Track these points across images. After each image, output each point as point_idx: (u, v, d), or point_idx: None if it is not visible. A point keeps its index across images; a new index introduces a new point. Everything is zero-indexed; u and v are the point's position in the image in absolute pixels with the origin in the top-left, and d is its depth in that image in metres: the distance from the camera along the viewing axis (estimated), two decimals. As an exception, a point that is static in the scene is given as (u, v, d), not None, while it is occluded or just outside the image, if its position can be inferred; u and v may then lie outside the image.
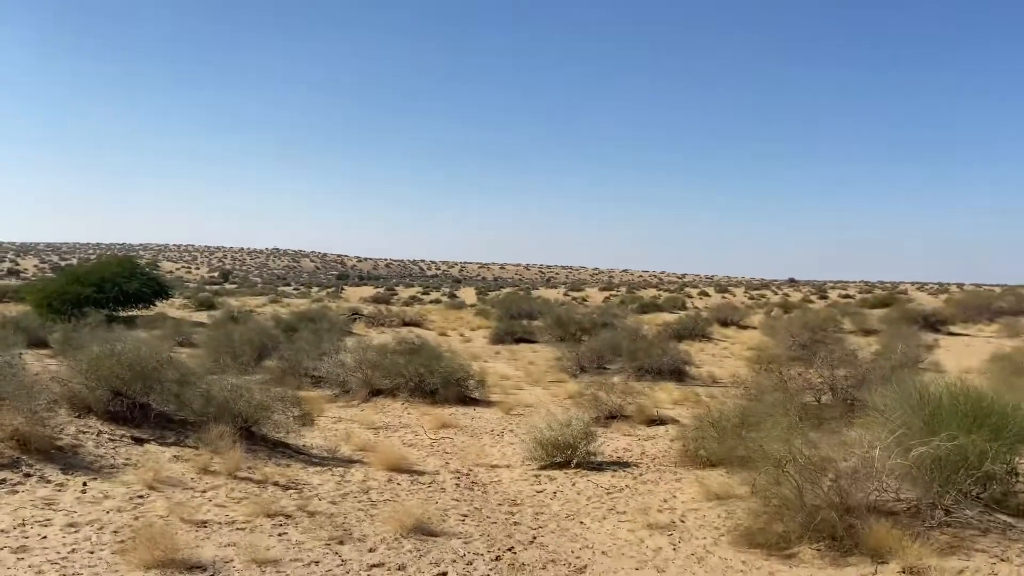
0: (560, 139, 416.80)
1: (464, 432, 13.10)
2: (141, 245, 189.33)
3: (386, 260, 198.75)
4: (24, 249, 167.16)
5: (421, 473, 9.38)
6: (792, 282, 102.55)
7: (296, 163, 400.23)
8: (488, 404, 16.42)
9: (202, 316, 38.43)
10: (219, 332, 22.54)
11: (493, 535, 6.75)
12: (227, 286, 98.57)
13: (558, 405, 16.65)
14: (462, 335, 34.62)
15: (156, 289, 37.63)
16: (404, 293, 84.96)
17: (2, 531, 5.85)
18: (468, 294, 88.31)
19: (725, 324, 34.22)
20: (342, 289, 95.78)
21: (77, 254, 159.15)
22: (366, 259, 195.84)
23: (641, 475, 9.38)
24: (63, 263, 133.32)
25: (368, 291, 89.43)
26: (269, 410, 9.84)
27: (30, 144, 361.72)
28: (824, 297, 75.28)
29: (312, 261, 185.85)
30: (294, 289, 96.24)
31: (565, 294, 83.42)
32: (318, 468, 9.15)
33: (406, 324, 37.94)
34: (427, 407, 15.68)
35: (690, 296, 74.52)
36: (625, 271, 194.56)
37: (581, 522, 7.38)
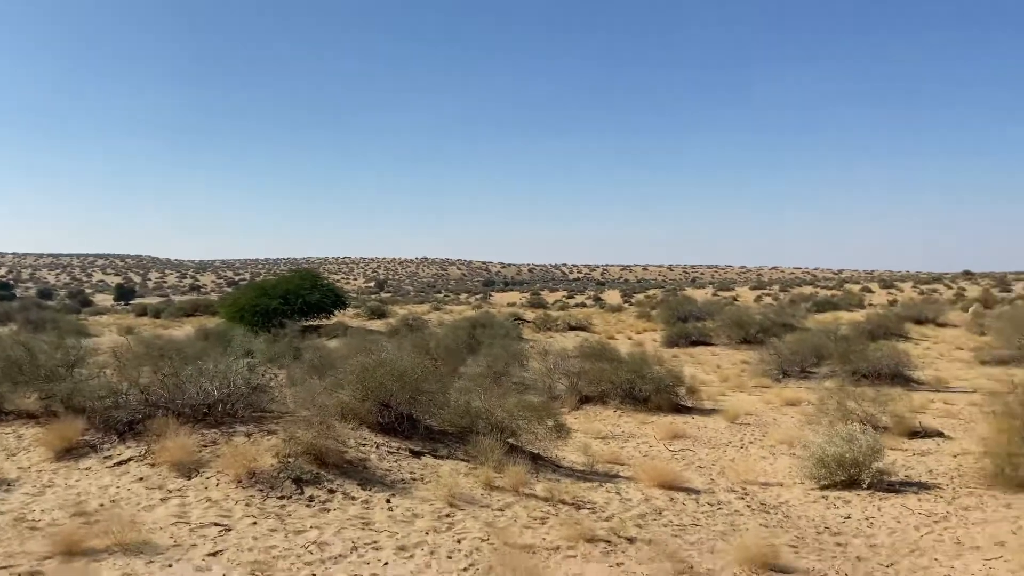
0: (700, 136, 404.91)
1: (701, 443, 12.23)
2: (304, 259, 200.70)
3: (528, 265, 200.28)
4: (203, 267, 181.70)
5: (696, 491, 8.60)
6: (968, 275, 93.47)
7: (437, 172, 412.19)
8: (704, 412, 15.45)
9: (377, 324, 39.60)
10: (416, 337, 22.77)
11: (852, 574, 5.84)
12: (383, 295, 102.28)
13: (779, 412, 15.44)
14: (630, 338, 33.64)
15: (334, 300, 39.01)
16: (550, 297, 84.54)
17: (341, 556, 5.59)
18: (613, 296, 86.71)
19: (920, 322, 31.25)
20: (490, 295, 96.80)
21: (249, 269, 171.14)
22: (509, 265, 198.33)
23: (955, 499, 8.16)
24: (237, 278, 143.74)
25: (515, 296, 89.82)
26: (528, 421, 9.39)
27: (205, 169, 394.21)
28: (1008, 290, 68.16)
29: (459, 269, 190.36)
30: (444, 296, 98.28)
31: (713, 294, 79.93)
32: (588, 484, 8.57)
33: (572, 328, 37.48)
34: (643, 415, 14.93)
35: (870, 292, 69.63)
36: (775, 268, 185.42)
37: (935, 559, 6.33)
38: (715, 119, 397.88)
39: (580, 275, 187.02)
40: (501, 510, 7.00)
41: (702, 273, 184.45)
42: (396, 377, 8.79)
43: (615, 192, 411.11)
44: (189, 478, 6.95)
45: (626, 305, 62.10)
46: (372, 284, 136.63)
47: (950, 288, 76.49)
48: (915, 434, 11.69)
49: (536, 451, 9.62)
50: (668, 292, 77.58)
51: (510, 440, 9.38)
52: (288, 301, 35.27)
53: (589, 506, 7.47)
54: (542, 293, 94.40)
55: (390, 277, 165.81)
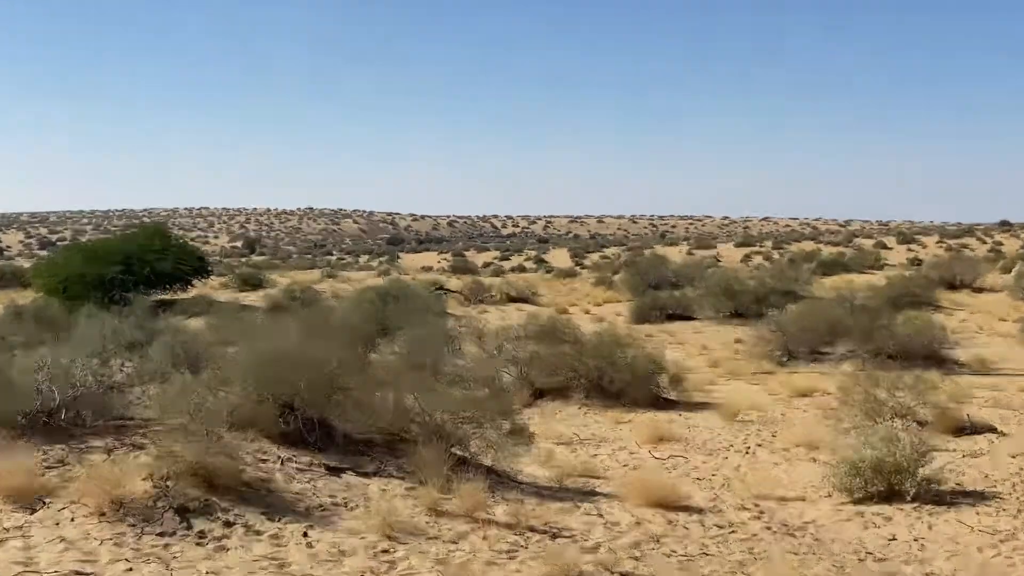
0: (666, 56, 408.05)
1: (694, 448, 12.51)
2: (145, 211, 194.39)
3: (448, 217, 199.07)
4: (5, 222, 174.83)
5: (700, 511, 8.83)
6: (1005, 225, 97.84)
7: (329, 102, 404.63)
8: (693, 407, 15.78)
9: (252, 297, 38.98)
10: (309, 315, 22.56)
11: (910, 609, 6.10)
12: (255, 258, 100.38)
13: (788, 405, 15.88)
14: (587, 311, 34.00)
15: (195, 267, 38.26)
16: (476, 259, 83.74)
17: (253, 608, 5.51)
18: (560, 257, 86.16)
19: (953, 287, 32.55)
20: (398, 257, 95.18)
21: (69, 225, 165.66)
22: (423, 217, 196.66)
23: (1021, 511, 8.60)
24: (54, 237, 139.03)
25: (432, 258, 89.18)
26: (479, 425, 9.46)
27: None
28: (1055, 244, 71.77)
29: (356, 222, 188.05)
30: (339, 259, 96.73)
31: (689, 253, 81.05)
32: (560, 504, 8.70)
33: (512, 299, 37.53)
34: (616, 412, 15.17)
35: (888, 249, 72.25)
36: (766, 219, 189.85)
37: (1007, 588, 6.67)
38: (684, 30, 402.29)
39: (517, 229, 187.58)
40: (455, 542, 7.06)
41: (674, 226, 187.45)
42: (306, 370, 8.68)
43: (557, 129, 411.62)
44: (32, 511, 6.75)
45: (579, 269, 62.76)
46: (239, 244, 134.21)
47: (983, 242, 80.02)
48: (961, 430, 12.22)
49: (488, 463, 9.68)
50: (633, 251, 78.63)
51: (455, 449, 9.42)
52: (131, 269, 34.37)
53: (567, 534, 7.61)
54: (467, 254, 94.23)
55: (264, 234, 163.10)
